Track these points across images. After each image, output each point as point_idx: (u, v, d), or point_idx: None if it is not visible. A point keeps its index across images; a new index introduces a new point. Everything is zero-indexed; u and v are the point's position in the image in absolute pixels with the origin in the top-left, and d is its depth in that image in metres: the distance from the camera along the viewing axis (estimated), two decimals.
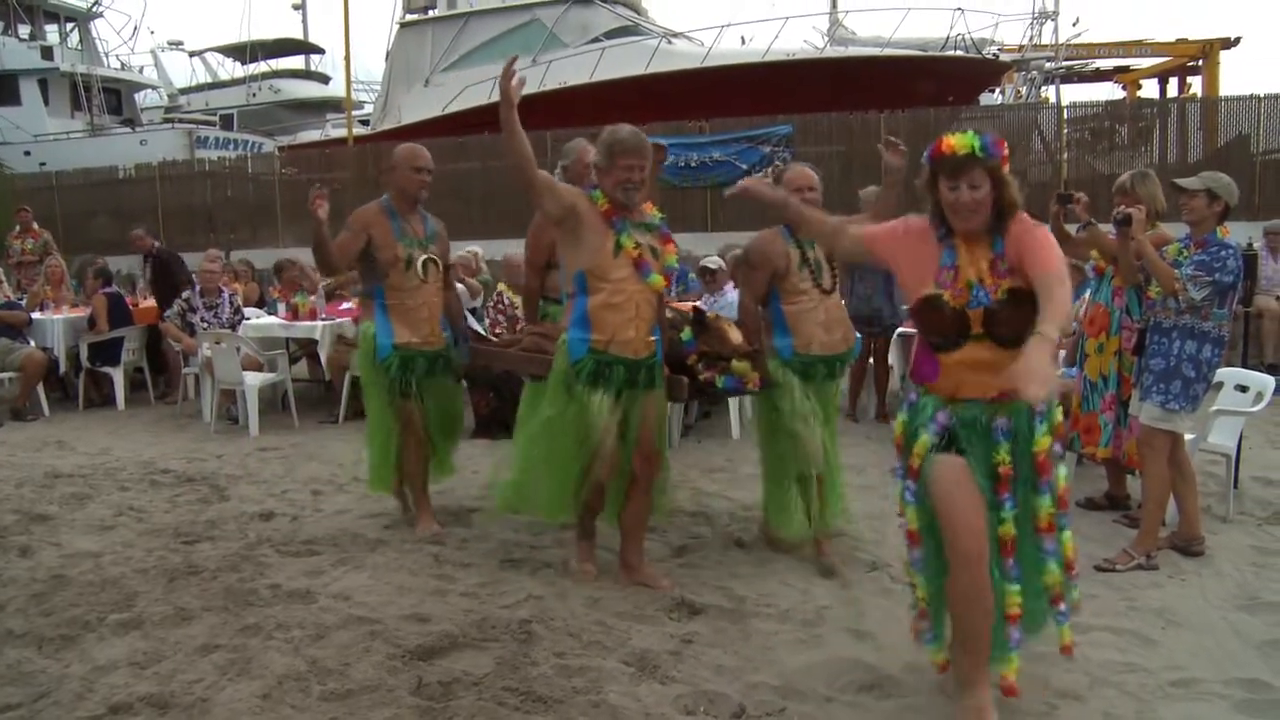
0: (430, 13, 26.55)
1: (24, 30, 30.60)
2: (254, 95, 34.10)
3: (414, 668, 3.72)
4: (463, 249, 10.15)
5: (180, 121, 31.41)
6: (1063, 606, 3.31)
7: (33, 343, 9.87)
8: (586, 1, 24.05)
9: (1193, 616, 4.26)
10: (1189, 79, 26.29)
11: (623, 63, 22.13)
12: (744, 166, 15.78)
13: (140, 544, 5.33)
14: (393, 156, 5.43)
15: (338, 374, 9.06)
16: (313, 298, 9.52)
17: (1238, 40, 24.36)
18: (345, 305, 9.55)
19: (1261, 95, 14.58)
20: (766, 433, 5.02)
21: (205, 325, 9.16)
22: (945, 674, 3.49)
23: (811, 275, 4.81)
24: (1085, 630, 3.90)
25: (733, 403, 7.82)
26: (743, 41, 23.41)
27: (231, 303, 9.60)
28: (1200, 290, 4.77)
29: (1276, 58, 70.19)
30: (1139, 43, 26.30)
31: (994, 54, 23.20)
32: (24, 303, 10.70)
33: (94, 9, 32.56)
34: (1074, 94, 28.21)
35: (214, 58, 37.66)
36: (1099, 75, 28.45)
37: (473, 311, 9.01)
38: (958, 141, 3.05)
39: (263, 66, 35.70)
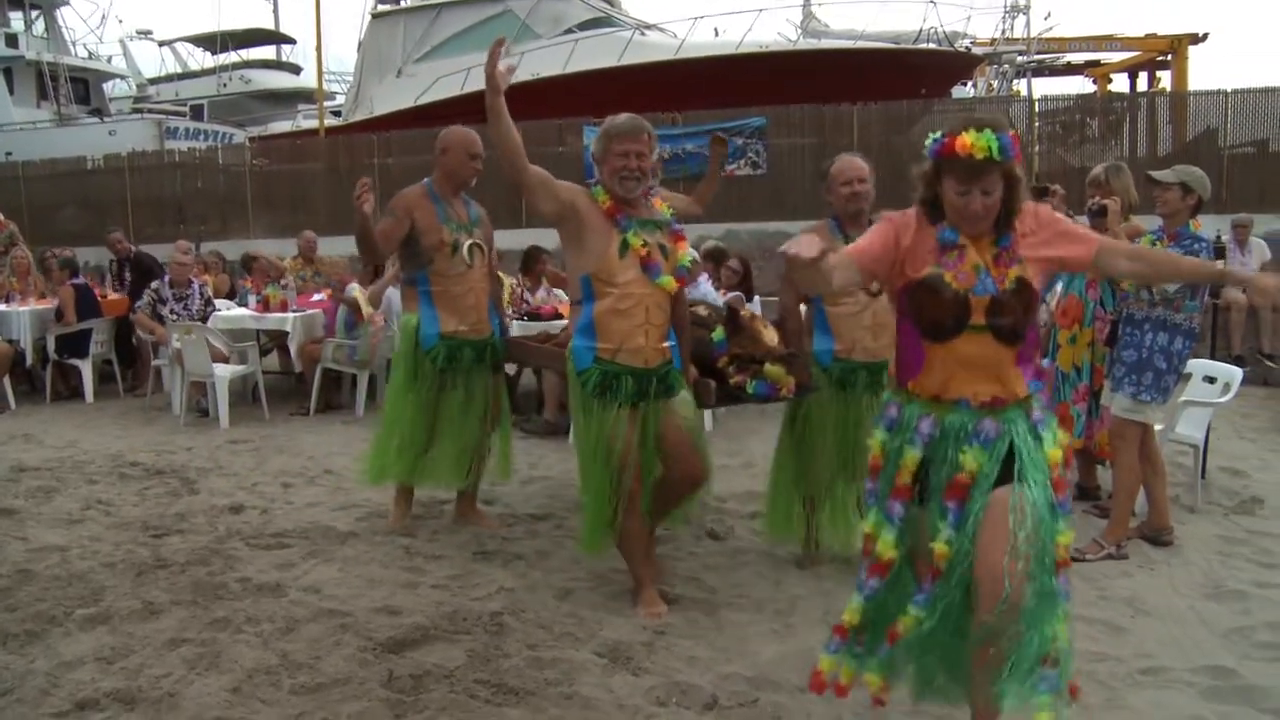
0: (402, 3, 26.39)
1: None
2: (224, 86, 33.75)
3: (385, 660, 3.70)
4: None
5: (150, 112, 31.04)
6: (1053, 672, 2.71)
7: None
8: None
9: (1161, 605, 4.30)
10: (1158, 74, 26.53)
11: (596, 54, 22.06)
12: None
13: (108, 538, 5.28)
14: (445, 138, 5.17)
15: (309, 366, 9.00)
16: (284, 289, 9.47)
17: (1205, 36, 24.59)
18: (316, 297, 9.48)
19: (1229, 90, 14.71)
20: (787, 440, 4.73)
21: (175, 317, 9.08)
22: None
23: None
24: None
25: None
26: (716, 33, 23.37)
27: (202, 294, 9.53)
28: (1174, 282, 4.81)
29: (1243, 53, 70.95)
30: (1109, 37, 26.50)
31: (966, 47, 23.31)
32: None
33: None
34: (1045, 87, 28.33)
35: (184, 47, 37.24)
36: (1070, 69, 28.67)
37: None
38: (974, 141, 2.66)
39: (233, 57, 35.33)
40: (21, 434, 8.21)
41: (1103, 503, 5.60)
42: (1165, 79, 25.82)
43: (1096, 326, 5.46)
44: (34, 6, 31.43)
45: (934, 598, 2.86)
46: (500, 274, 6.27)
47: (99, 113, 31.01)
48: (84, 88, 31.37)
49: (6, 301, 10.39)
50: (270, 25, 38.45)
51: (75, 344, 9.85)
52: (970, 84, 25.22)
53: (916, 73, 20.51)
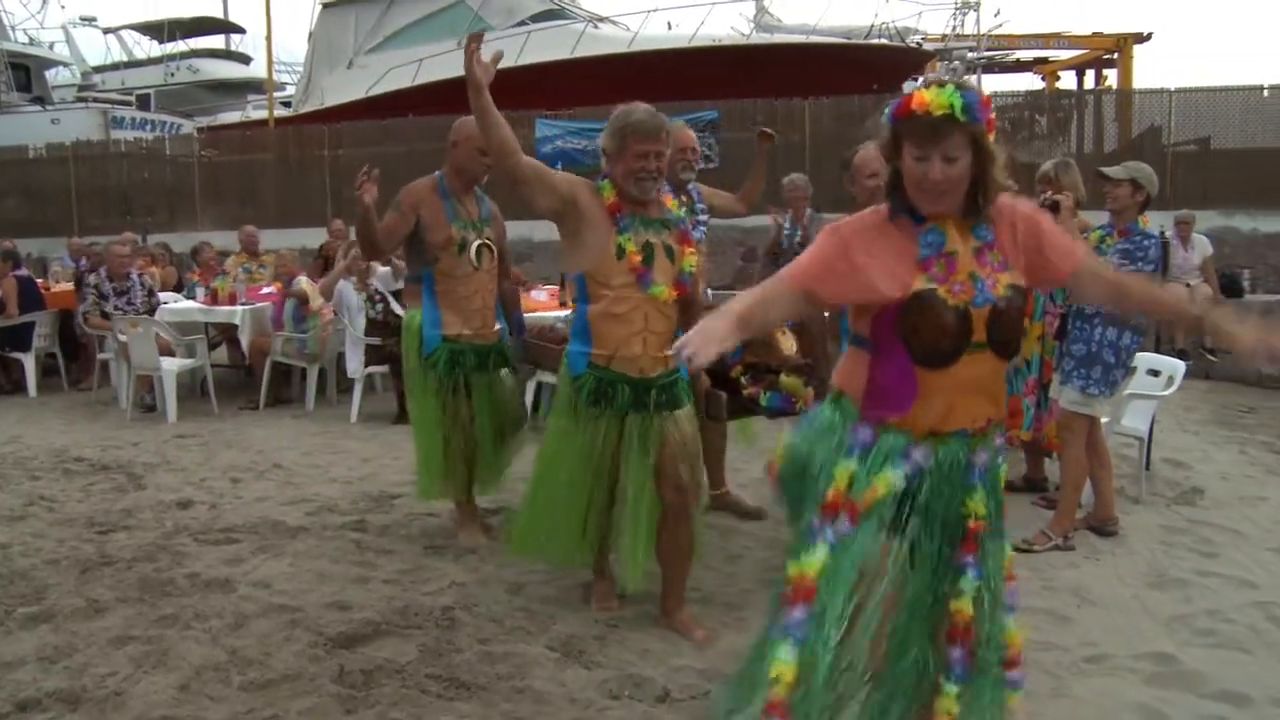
0: None
1: None
2: (172, 75, 33.22)
3: (336, 656, 3.67)
4: None
5: (95, 101, 30.53)
6: (1016, 674, 2.62)
7: None
8: None
9: (1106, 595, 4.37)
10: (1105, 72, 26.91)
11: (549, 46, 21.96)
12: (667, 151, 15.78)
13: (51, 534, 5.19)
14: (456, 130, 4.83)
15: (259, 359, 8.90)
16: (233, 281, 9.36)
17: (1149, 35, 24.96)
18: (266, 290, 9.38)
19: (1172, 89, 15.01)
20: None
21: (121, 311, 8.94)
22: None
23: None
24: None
25: None
26: (669, 27, 23.41)
27: (143, 285, 9.34)
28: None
29: (1185, 54, 72.33)
30: (1057, 35, 26.82)
31: (917, 43, 23.48)
32: None
33: None
34: (995, 84, 28.64)
35: (130, 35, 36.57)
36: (1019, 66, 28.99)
37: (396, 294, 8.92)
38: (932, 98, 2.32)
39: (181, 45, 34.77)
40: None
41: (1050, 494, 5.68)
42: (1111, 77, 26.20)
43: (1046, 320, 5.54)
44: None
45: (969, 671, 2.51)
46: (517, 269, 5.85)
47: (41, 100, 30.47)
48: (25, 75, 30.77)
49: None
50: (219, 14, 37.89)
51: (17, 337, 9.68)
52: (921, 79, 25.38)
53: (868, 68, 20.64)
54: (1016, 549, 4.75)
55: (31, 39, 33.35)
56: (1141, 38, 25.02)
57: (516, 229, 10.81)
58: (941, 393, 2.42)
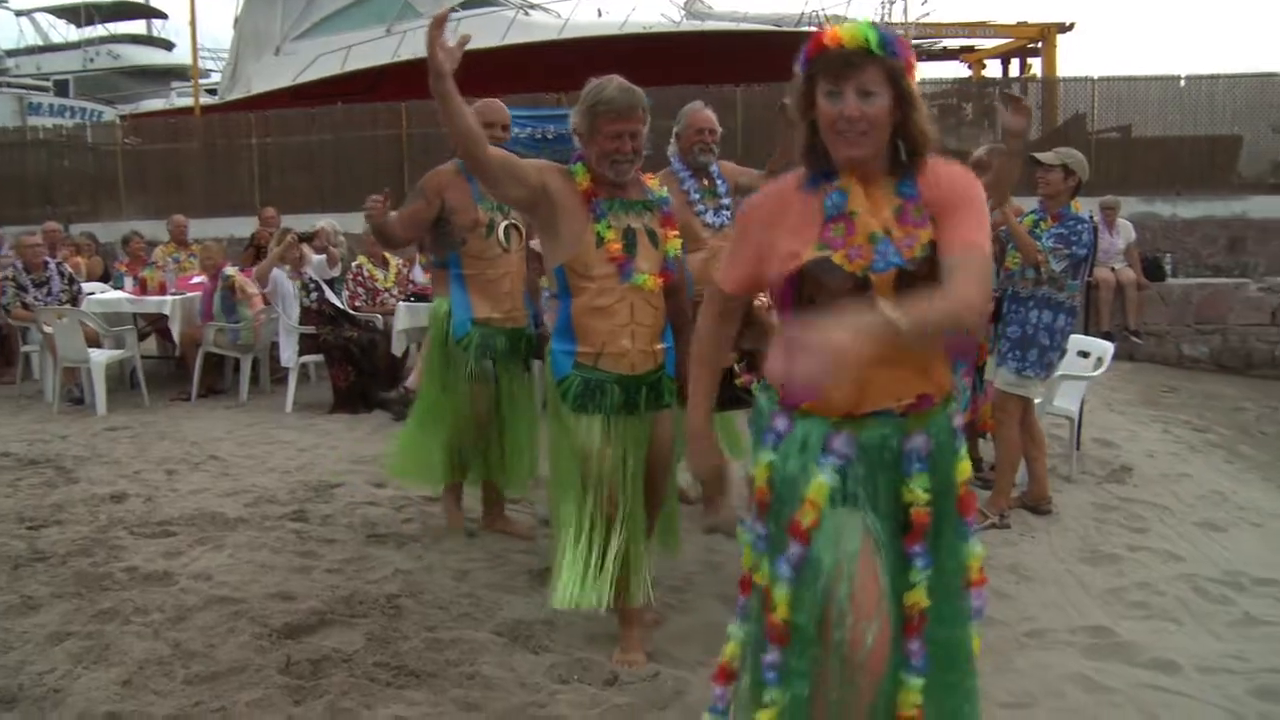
0: None
1: None
2: (91, 60, 32.42)
3: (282, 646, 3.64)
4: (315, 222, 9.95)
5: (8, 86, 29.68)
6: (979, 600, 2.47)
7: None
8: None
9: (1042, 571, 4.49)
10: (1029, 60, 27.35)
11: (479, 34, 21.57)
12: None
13: None
14: (479, 112, 4.49)
15: (190, 350, 8.74)
16: (162, 272, 9.19)
17: (1072, 25, 25.38)
18: (196, 279, 9.21)
19: (1095, 77, 15.26)
20: None
21: (41, 303, 8.72)
22: None
23: None
24: None
25: None
26: (599, 14, 23.34)
27: (62, 274, 9.10)
28: (1060, 262, 5.00)
29: (1106, 43, 73.98)
30: (983, 24, 27.18)
31: None
32: None
33: None
34: (923, 72, 29.03)
35: (44, 18, 35.64)
36: (946, 54, 29.33)
37: (330, 283, 8.83)
38: (845, 32, 2.13)
39: (100, 30, 33.96)
40: None
41: (985, 474, 5.78)
42: (1036, 65, 26.64)
43: None
44: None
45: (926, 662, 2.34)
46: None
47: None
48: None
49: None
50: None
51: None
52: None
53: (798, 55, 20.79)
54: None
55: None
56: (1065, 27, 25.44)
57: None
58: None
